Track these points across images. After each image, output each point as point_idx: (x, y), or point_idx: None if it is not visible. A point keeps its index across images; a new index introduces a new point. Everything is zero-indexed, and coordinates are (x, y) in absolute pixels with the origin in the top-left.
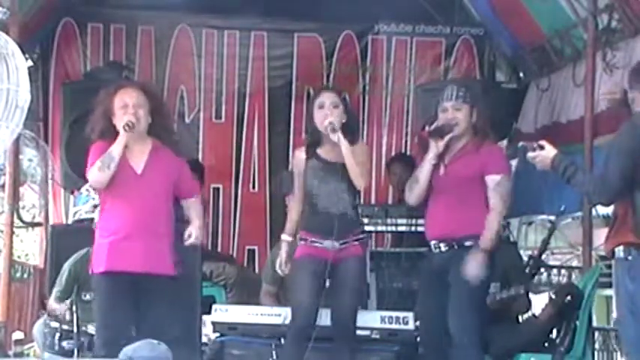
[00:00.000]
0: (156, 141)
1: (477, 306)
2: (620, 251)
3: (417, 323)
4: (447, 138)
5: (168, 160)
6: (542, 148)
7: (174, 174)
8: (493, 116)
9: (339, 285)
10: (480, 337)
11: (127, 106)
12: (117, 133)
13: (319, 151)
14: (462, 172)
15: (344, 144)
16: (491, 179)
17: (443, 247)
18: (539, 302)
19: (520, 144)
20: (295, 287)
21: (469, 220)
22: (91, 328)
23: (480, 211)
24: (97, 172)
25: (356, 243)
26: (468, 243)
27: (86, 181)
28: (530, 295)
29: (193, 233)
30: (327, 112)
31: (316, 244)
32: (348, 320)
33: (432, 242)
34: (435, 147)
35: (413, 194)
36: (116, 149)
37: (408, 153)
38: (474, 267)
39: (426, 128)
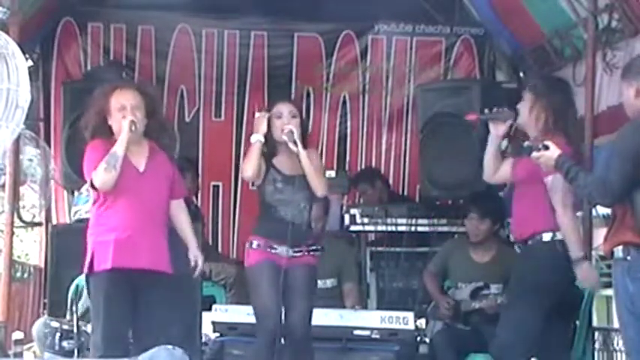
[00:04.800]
0: (151, 142)
1: (528, 309)
2: (619, 251)
3: (417, 323)
4: (507, 123)
5: (164, 160)
6: (546, 148)
7: (170, 174)
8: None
9: (292, 291)
10: (524, 345)
11: (124, 109)
12: (111, 133)
13: (275, 162)
14: (519, 172)
15: (302, 153)
16: (547, 181)
17: (517, 249)
18: None
19: (526, 143)
20: (257, 292)
21: (530, 218)
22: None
23: (541, 210)
24: (103, 174)
25: (309, 254)
26: (530, 242)
27: (86, 181)
28: None
29: (199, 261)
30: (285, 122)
31: (270, 250)
32: (304, 324)
33: None
34: (494, 129)
35: (485, 174)
36: (120, 148)
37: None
38: (584, 280)
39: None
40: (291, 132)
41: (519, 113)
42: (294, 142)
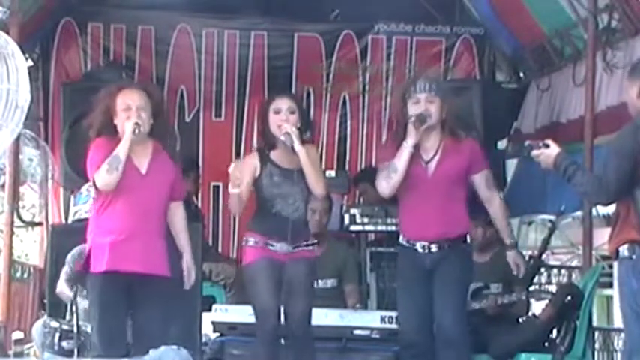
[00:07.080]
0: (155, 142)
1: (464, 303)
2: (624, 250)
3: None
4: (422, 128)
5: (167, 162)
6: (547, 146)
7: (172, 176)
8: (458, 113)
9: (292, 286)
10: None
11: (130, 109)
12: (116, 132)
13: (273, 156)
14: (450, 172)
15: (302, 152)
16: (480, 176)
17: (434, 247)
18: (539, 305)
19: (527, 143)
20: (256, 290)
21: (459, 219)
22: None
23: (465, 209)
24: (105, 175)
25: (307, 248)
26: (459, 241)
27: (86, 180)
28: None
29: (192, 272)
30: (283, 118)
31: (269, 247)
32: (304, 320)
33: (421, 243)
34: (415, 135)
35: (390, 185)
36: (122, 150)
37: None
38: (515, 265)
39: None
40: (287, 134)
41: (431, 115)
42: (292, 142)
